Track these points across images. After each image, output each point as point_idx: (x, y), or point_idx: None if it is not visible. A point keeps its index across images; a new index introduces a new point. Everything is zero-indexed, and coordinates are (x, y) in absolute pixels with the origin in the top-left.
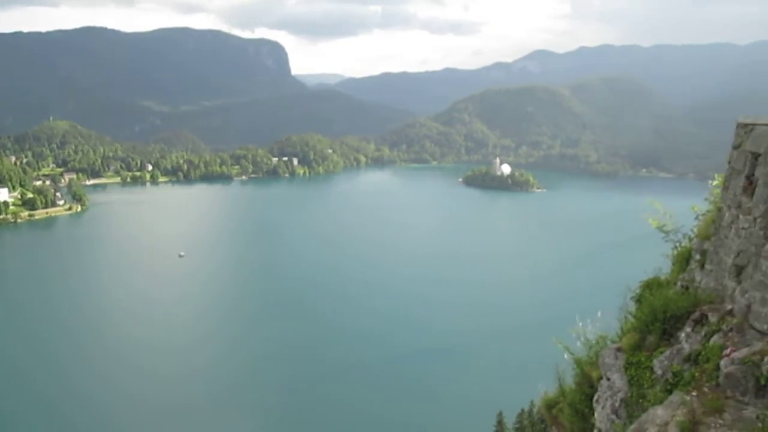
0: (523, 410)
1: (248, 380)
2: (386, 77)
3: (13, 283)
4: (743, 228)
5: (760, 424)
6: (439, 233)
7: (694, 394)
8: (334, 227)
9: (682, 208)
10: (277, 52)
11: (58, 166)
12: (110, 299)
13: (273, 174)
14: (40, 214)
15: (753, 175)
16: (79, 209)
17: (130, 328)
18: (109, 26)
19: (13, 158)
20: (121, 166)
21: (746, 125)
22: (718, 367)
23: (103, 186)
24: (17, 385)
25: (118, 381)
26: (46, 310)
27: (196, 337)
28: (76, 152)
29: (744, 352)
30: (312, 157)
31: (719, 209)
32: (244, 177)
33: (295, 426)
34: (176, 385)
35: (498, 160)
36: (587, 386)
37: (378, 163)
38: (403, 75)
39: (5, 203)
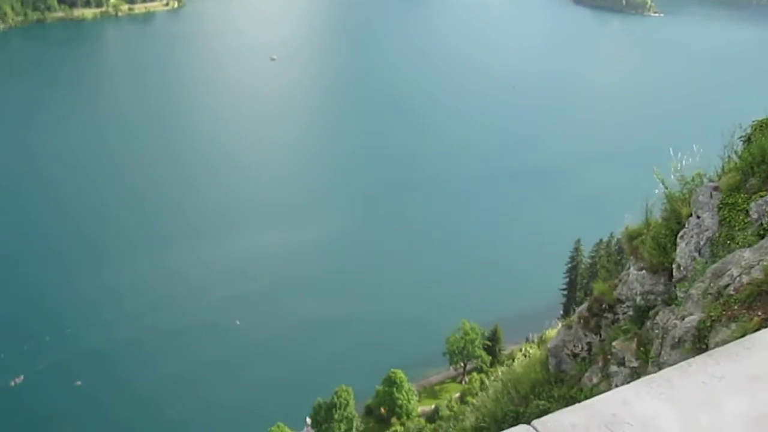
0: (601, 240)
1: (338, 180)
2: None
3: (114, 78)
4: None
5: None
6: (539, 56)
7: None
8: (430, 41)
9: None
10: None
11: None
12: (202, 100)
13: None
14: (139, 8)
15: None
16: (176, 5)
17: (219, 130)
18: None
19: None
20: None
21: None
22: None
23: None
24: (113, 176)
25: (206, 178)
26: (142, 106)
27: (286, 141)
28: None
29: None
30: None
31: None
32: None
33: (382, 214)
34: (269, 184)
35: None
36: (674, 222)
37: None
38: None
39: None
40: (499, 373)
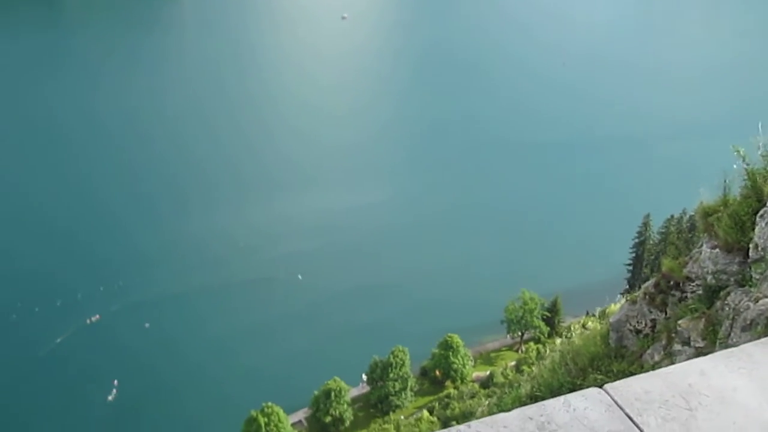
0: (672, 216)
1: (408, 143)
2: None
3: (184, 34)
4: None
5: None
6: (622, 19)
7: None
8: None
9: None
10: None
11: None
12: (270, 61)
13: None
14: None
15: None
16: None
17: (287, 91)
18: None
19: None
20: None
21: None
22: None
23: None
24: (191, 132)
25: (275, 139)
26: (208, 65)
27: (356, 103)
28: None
29: None
30: None
31: None
32: None
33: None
34: (339, 147)
35: None
36: (755, 200)
37: None
38: None
39: None
40: (558, 344)
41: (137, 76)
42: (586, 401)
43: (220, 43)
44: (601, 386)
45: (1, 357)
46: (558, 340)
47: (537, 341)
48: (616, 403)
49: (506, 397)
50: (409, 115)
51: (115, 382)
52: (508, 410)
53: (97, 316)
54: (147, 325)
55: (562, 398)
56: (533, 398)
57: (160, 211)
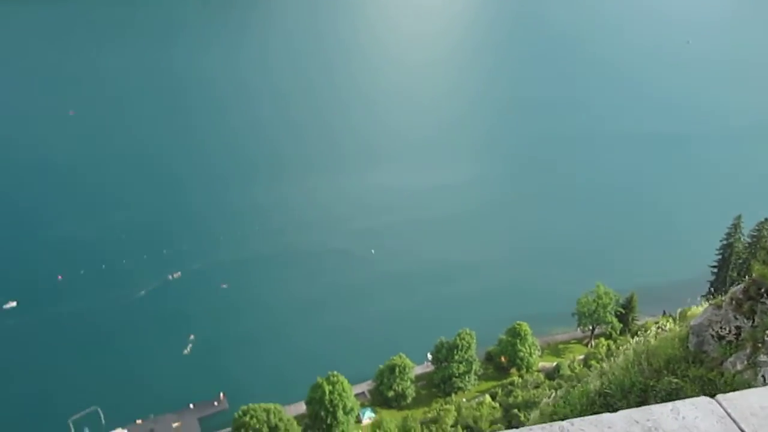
0: (766, 219)
1: (493, 126)
2: None
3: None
4: None
5: None
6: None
7: None
8: None
9: None
10: None
11: None
12: (361, 38)
13: None
14: None
15: None
16: None
17: (378, 66)
18: None
19: None
20: None
21: None
22: None
23: None
24: (275, 105)
25: (355, 118)
26: (290, 46)
27: (443, 86)
28: None
29: None
30: None
31: None
32: None
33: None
34: (421, 126)
35: None
36: None
37: None
38: None
39: None
40: (632, 342)
41: (216, 49)
42: (696, 410)
43: (307, 21)
44: (712, 396)
45: (88, 304)
46: (632, 339)
47: (608, 337)
48: (729, 415)
49: (573, 391)
50: (500, 97)
51: (192, 336)
52: (578, 404)
53: (179, 273)
54: (224, 285)
55: (669, 404)
56: (603, 395)
57: (244, 179)
